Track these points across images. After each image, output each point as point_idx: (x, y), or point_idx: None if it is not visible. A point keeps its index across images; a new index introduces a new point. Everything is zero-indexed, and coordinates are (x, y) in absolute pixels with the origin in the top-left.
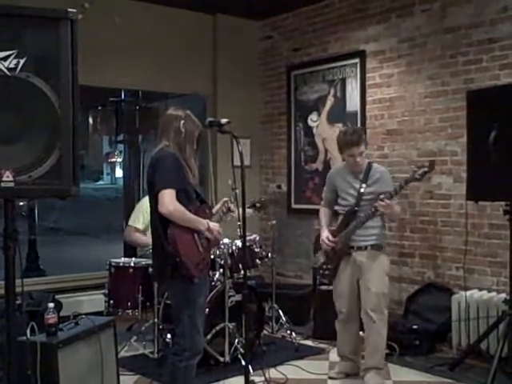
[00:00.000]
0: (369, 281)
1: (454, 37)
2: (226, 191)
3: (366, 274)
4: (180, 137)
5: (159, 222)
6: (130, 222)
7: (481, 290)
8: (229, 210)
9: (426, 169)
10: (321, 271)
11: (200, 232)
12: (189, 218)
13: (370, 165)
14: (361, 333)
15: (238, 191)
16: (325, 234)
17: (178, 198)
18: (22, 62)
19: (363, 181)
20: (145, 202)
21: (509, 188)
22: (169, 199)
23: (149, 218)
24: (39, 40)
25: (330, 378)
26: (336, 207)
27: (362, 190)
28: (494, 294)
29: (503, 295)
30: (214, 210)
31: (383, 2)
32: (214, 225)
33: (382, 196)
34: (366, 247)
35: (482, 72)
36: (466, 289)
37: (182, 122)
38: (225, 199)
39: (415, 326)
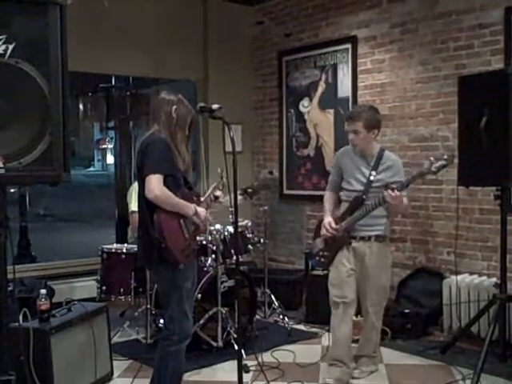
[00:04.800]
0: (371, 276)
1: (445, 22)
2: (217, 177)
3: (369, 268)
4: (171, 122)
5: (146, 206)
6: (133, 208)
7: (472, 274)
8: (216, 198)
9: (444, 162)
10: (317, 258)
11: (187, 217)
12: (175, 203)
13: (382, 151)
14: (355, 318)
15: (225, 180)
16: (327, 220)
17: (166, 184)
18: (10, 47)
19: (374, 168)
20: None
21: (499, 173)
22: (155, 184)
23: None
24: (28, 25)
25: None
26: (340, 193)
27: (371, 178)
28: (484, 278)
29: (494, 279)
30: (203, 198)
31: None
32: (201, 210)
33: (392, 186)
34: (369, 238)
35: (474, 57)
36: (457, 273)
37: (174, 107)
38: (214, 185)
39: (407, 310)
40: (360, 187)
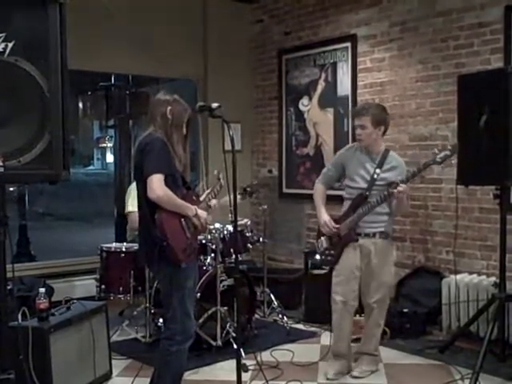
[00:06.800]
0: (375, 272)
1: (446, 21)
2: (215, 179)
3: (373, 265)
4: (167, 123)
5: (147, 206)
6: (130, 209)
7: (471, 273)
8: (209, 207)
9: (447, 152)
10: (322, 256)
11: (187, 217)
12: (177, 203)
13: (387, 151)
14: (357, 316)
15: (222, 182)
16: (326, 217)
17: (167, 184)
18: (10, 45)
19: (379, 165)
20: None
21: (499, 172)
22: (157, 184)
23: None
24: (28, 23)
25: (328, 379)
26: (344, 191)
27: (375, 176)
28: (483, 277)
29: (493, 278)
30: (201, 198)
31: None
32: (201, 212)
33: (399, 180)
34: (374, 234)
35: (473, 56)
36: (456, 272)
37: (169, 107)
38: (208, 190)
39: (406, 310)
40: (364, 184)
